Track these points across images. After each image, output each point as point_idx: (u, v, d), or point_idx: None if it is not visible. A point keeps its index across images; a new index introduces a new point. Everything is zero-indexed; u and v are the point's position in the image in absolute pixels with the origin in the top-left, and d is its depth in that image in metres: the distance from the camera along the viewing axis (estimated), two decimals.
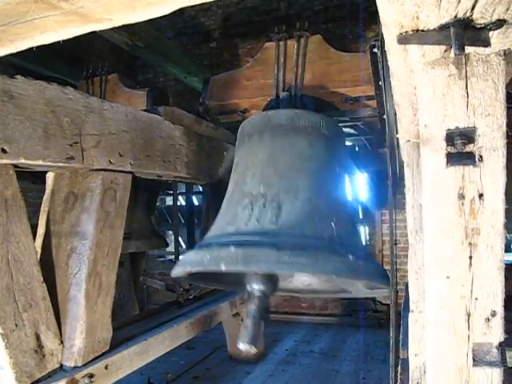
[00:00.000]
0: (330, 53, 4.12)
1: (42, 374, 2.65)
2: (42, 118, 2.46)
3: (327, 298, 7.17)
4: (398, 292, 2.62)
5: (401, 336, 2.73)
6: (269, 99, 3.82)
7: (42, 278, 2.69)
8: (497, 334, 1.41)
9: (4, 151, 2.24)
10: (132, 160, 3.11)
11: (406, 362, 2.41)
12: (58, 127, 2.55)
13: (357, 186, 6.89)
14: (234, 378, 5.02)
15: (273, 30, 4.00)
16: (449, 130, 1.36)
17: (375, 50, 2.66)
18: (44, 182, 3.08)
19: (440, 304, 1.45)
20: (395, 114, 2.24)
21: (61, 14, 1.35)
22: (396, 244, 6.22)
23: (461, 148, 1.35)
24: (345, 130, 5.00)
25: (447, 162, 1.37)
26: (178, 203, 5.96)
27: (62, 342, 2.83)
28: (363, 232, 7.70)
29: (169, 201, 8.92)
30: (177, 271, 2.84)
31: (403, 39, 1.25)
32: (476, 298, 1.41)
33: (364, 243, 7.24)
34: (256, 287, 2.72)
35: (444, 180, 1.39)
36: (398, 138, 2.44)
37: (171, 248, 7.57)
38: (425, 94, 1.41)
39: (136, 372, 3.50)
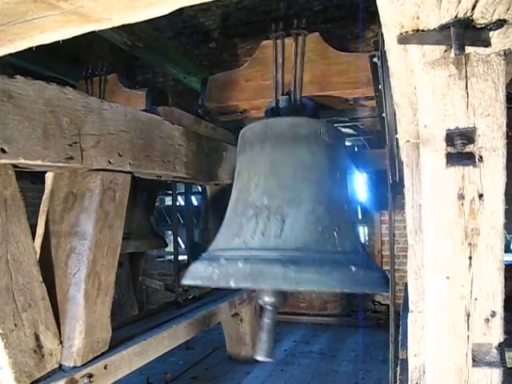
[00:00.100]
0: (328, 52, 4.08)
1: (41, 374, 2.65)
2: (41, 117, 2.46)
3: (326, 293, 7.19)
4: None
5: (400, 336, 2.73)
6: (268, 101, 3.79)
7: (41, 278, 2.68)
8: (496, 335, 1.41)
9: (3, 151, 2.24)
10: (131, 160, 3.11)
11: (405, 362, 2.41)
12: (57, 127, 2.55)
13: (356, 187, 6.89)
14: (232, 378, 5.01)
15: (275, 32, 3.95)
16: (449, 130, 1.36)
17: (375, 59, 2.67)
18: (43, 182, 3.07)
19: (440, 304, 1.45)
20: (394, 115, 2.24)
21: (60, 13, 1.35)
22: (395, 244, 6.22)
23: (461, 148, 1.35)
24: (344, 130, 5.01)
25: (447, 163, 1.37)
26: (177, 203, 5.94)
27: (61, 342, 2.83)
28: (362, 232, 7.70)
29: (168, 201, 8.92)
30: (187, 282, 2.94)
31: (403, 39, 1.24)
32: (476, 299, 1.41)
33: (363, 244, 7.24)
34: (268, 301, 2.82)
35: (444, 180, 1.39)
36: (397, 139, 2.43)
37: (170, 248, 7.56)
38: (425, 94, 1.41)
39: (135, 372, 3.49)
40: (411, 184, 2.30)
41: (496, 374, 1.42)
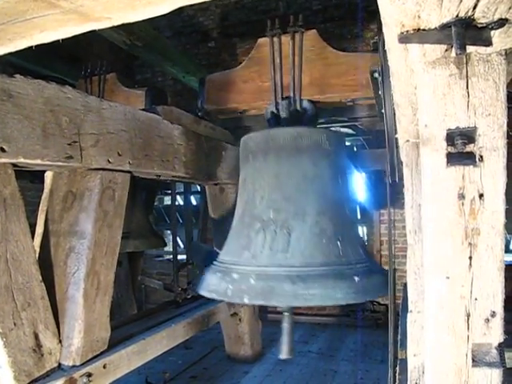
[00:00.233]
0: (327, 52, 4.03)
1: (40, 373, 2.65)
2: (40, 117, 2.45)
3: None
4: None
5: (399, 336, 2.73)
6: (268, 104, 3.75)
7: (40, 277, 2.68)
8: (496, 335, 1.41)
9: (3, 150, 2.24)
10: (131, 159, 3.11)
11: (404, 362, 2.41)
12: (56, 126, 2.54)
13: (355, 187, 6.89)
14: (231, 378, 5.01)
15: (271, 29, 3.88)
16: (449, 129, 1.36)
17: (376, 74, 2.71)
18: (42, 181, 3.07)
19: (439, 304, 1.45)
20: (394, 114, 2.23)
21: (60, 12, 1.34)
22: (394, 244, 6.22)
23: (461, 148, 1.35)
24: (343, 130, 5.00)
25: (447, 162, 1.37)
26: (177, 203, 5.95)
27: (60, 341, 2.83)
28: (361, 232, 7.69)
29: (167, 200, 8.92)
30: (202, 293, 3.16)
31: (404, 38, 1.24)
32: (476, 299, 1.41)
33: (364, 242, 7.25)
34: (285, 308, 3.03)
35: (444, 180, 1.39)
36: (396, 138, 2.43)
37: (169, 247, 7.56)
38: (425, 93, 1.40)
39: (134, 371, 3.50)
40: (411, 184, 2.30)
41: (496, 375, 1.42)
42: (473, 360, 1.43)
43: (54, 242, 2.97)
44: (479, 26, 1.17)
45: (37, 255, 2.79)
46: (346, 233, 3.08)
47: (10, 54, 1.72)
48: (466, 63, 1.33)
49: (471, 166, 1.35)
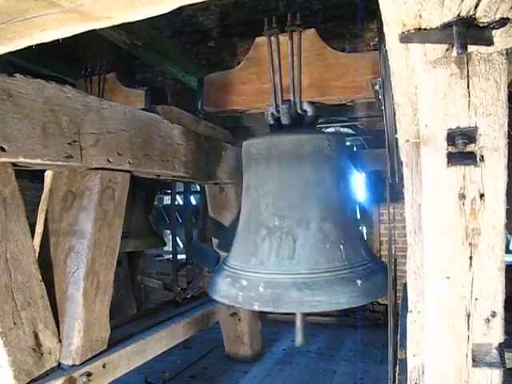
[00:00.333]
0: (326, 53, 4.00)
1: (40, 373, 2.65)
2: (40, 116, 2.45)
3: None
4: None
5: (398, 336, 2.73)
6: (268, 107, 3.73)
7: (40, 277, 2.68)
8: (497, 335, 1.41)
9: (3, 149, 2.23)
10: (130, 159, 3.10)
11: (403, 362, 2.41)
12: (56, 126, 2.54)
13: (355, 187, 6.89)
14: (231, 378, 5.01)
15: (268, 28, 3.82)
16: (450, 129, 1.36)
17: (376, 87, 2.73)
18: (42, 181, 3.07)
19: (440, 304, 1.45)
20: (394, 114, 2.23)
21: (60, 11, 1.34)
22: (394, 244, 6.22)
23: (462, 148, 1.34)
24: (342, 129, 5.01)
25: (448, 162, 1.37)
26: (176, 202, 5.94)
27: (60, 341, 2.83)
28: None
29: (167, 200, 8.92)
30: (213, 297, 3.32)
31: (405, 38, 1.24)
32: (476, 299, 1.41)
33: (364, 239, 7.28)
34: None
35: (445, 180, 1.38)
36: (396, 138, 2.43)
37: (169, 247, 7.56)
38: (426, 93, 1.40)
39: (133, 371, 3.50)
40: (411, 184, 2.30)
41: (496, 375, 1.42)
42: (473, 360, 1.43)
43: (54, 241, 2.97)
44: (481, 25, 1.16)
45: (36, 255, 2.79)
46: (348, 234, 3.17)
47: (10, 53, 1.72)
48: (467, 63, 1.33)
49: (472, 166, 1.35)
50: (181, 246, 7.69)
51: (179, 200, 7.42)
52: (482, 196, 1.35)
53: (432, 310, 1.47)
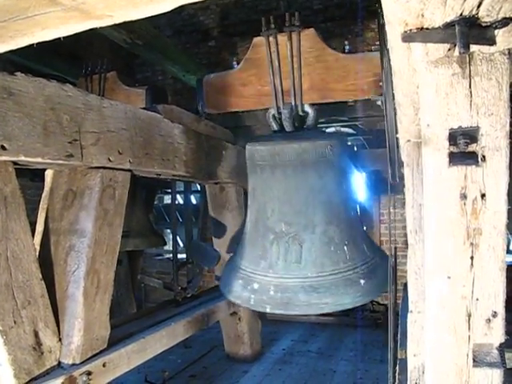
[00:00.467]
0: (326, 54, 3.87)
1: (40, 371, 2.64)
2: (41, 115, 2.45)
3: None
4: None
5: (399, 336, 2.73)
6: (269, 109, 3.72)
7: (40, 276, 2.68)
8: (497, 335, 1.41)
9: (3, 148, 2.23)
10: (131, 158, 3.10)
11: (404, 362, 2.41)
12: (57, 124, 2.54)
13: (355, 187, 6.89)
14: (230, 377, 5.01)
15: (266, 29, 3.71)
16: (451, 129, 1.36)
17: (378, 103, 2.78)
18: (43, 180, 3.07)
19: (440, 304, 1.45)
20: (395, 114, 2.23)
21: (62, 10, 1.34)
22: (394, 244, 6.21)
23: (463, 148, 1.34)
24: (343, 129, 5.00)
25: (449, 162, 1.37)
26: (177, 202, 5.94)
27: (60, 340, 2.83)
28: None
29: (167, 199, 8.92)
30: (228, 297, 3.57)
31: (407, 37, 1.24)
32: (477, 299, 1.41)
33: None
34: None
35: (446, 180, 1.38)
36: (397, 138, 2.43)
37: (169, 246, 7.57)
38: (428, 93, 1.40)
39: (133, 370, 3.49)
40: (411, 184, 2.30)
41: (497, 375, 1.42)
42: (474, 360, 1.43)
43: (54, 240, 2.97)
44: (483, 24, 1.16)
45: (37, 253, 2.78)
46: (351, 234, 3.28)
47: (11, 51, 1.72)
48: (469, 62, 1.33)
49: (473, 166, 1.35)
50: (181, 245, 7.69)
51: (179, 199, 7.42)
52: (483, 196, 1.35)
53: (433, 310, 1.47)
